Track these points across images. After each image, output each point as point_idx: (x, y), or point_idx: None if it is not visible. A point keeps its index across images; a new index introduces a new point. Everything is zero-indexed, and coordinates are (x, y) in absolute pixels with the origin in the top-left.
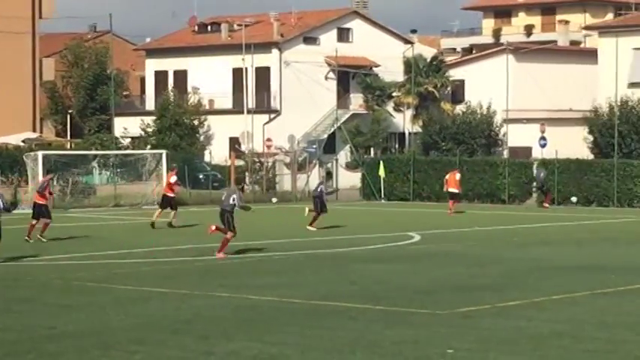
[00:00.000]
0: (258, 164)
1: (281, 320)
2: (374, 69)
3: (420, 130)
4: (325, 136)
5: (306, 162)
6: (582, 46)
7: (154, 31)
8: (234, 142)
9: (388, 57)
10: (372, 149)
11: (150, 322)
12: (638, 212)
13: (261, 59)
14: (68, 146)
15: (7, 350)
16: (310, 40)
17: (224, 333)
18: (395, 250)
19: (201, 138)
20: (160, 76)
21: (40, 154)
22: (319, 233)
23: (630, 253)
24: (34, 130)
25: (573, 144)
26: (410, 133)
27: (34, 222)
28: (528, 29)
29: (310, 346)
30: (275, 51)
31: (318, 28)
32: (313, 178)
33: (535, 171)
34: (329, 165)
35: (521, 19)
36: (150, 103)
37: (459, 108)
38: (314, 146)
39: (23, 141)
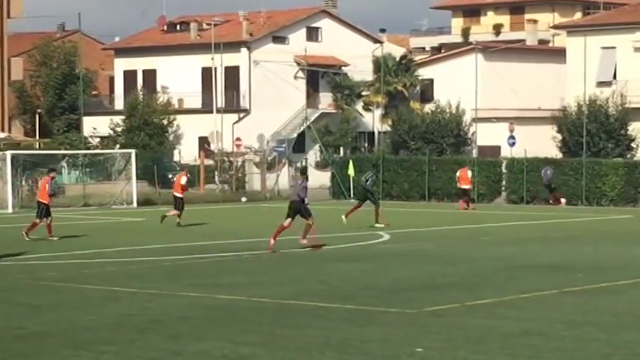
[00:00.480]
0: (228, 163)
1: (251, 320)
2: (343, 68)
3: (389, 129)
4: (295, 135)
5: (275, 161)
6: (551, 45)
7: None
8: (203, 142)
9: (357, 56)
10: (341, 148)
11: (119, 322)
12: (606, 211)
13: (230, 58)
14: (37, 146)
15: None
16: (279, 39)
17: (193, 333)
18: (364, 249)
19: (171, 137)
20: (129, 76)
21: (8, 153)
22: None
23: (598, 251)
24: (3, 130)
25: (542, 143)
26: (379, 133)
27: (37, 221)
28: (497, 28)
29: (280, 345)
30: (244, 50)
31: (288, 28)
32: (283, 177)
33: (542, 171)
34: (298, 164)
35: (490, 19)
36: (119, 103)
37: (428, 107)
38: (283, 145)
39: None
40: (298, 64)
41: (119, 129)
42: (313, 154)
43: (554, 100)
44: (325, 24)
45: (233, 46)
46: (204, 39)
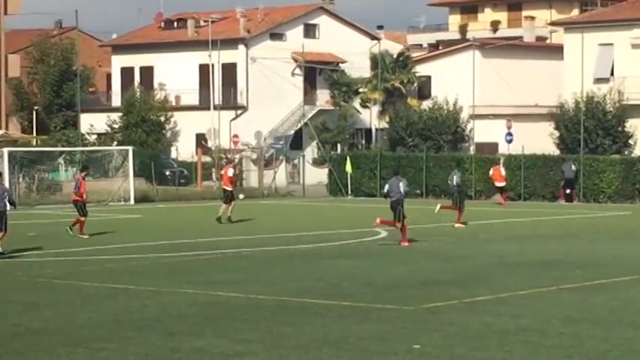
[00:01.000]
0: (225, 160)
1: (248, 317)
2: (340, 65)
3: (386, 126)
4: (292, 132)
5: (272, 158)
6: (548, 41)
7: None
8: (200, 139)
9: (355, 53)
10: (338, 145)
11: (116, 319)
12: (604, 208)
13: (227, 55)
14: (34, 143)
15: None
16: (277, 36)
17: (191, 330)
18: (362, 246)
19: (168, 134)
20: (126, 73)
21: (5, 150)
22: (285, 229)
23: (596, 248)
24: (0, 127)
25: (539, 139)
26: (376, 129)
27: (82, 218)
28: (494, 25)
29: (277, 342)
30: (241, 47)
31: (285, 24)
32: (280, 174)
33: (564, 166)
34: (296, 161)
35: (487, 15)
36: (116, 100)
37: (426, 104)
38: (281, 142)
39: None
40: (296, 60)
41: (116, 126)
42: (310, 151)
43: (552, 96)
44: (322, 21)
45: (230, 42)
46: (202, 36)
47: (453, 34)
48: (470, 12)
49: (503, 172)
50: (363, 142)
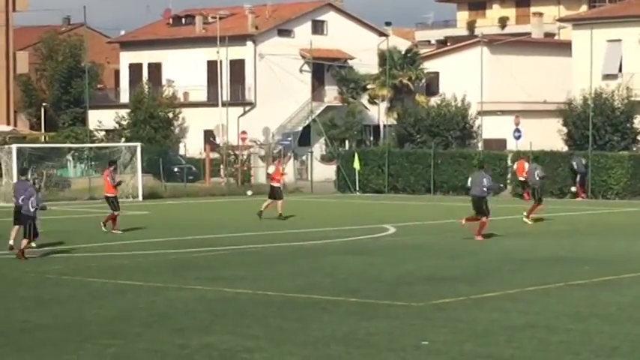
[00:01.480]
0: (233, 157)
1: (256, 313)
2: (348, 61)
3: (394, 122)
4: (300, 128)
5: (280, 154)
6: (556, 38)
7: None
8: (208, 135)
9: (363, 49)
10: (346, 142)
11: (124, 316)
12: (612, 204)
13: (235, 52)
14: (42, 139)
15: None
16: (285, 32)
17: (199, 326)
18: (370, 242)
19: (176, 131)
20: (135, 69)
21: (14, 147)
22: (293, 225)
23: (604, 244)
24: (8, 124)
25: (548, 136)
26: (385, 126)
27: (116, 213)
28: (503, 21)
29: (285, 338)
30: (250, 43)
31: (293, 21)
32: (288, 170)
33: (575, 161)
34: (304, 157)
35: (495, 12)
36: (124, 96)
37: (434, 100)
38: (289, 139)
39: None
40: (304, 57)
41: (124, 122)
42: (319, 148)
43: (560, 93)
44: (331, 17)
45: (238, 39)
46: (210, 32)
47: (461, 30)
48: (478, 8)
49: (527, 166)
50: (371, 138)
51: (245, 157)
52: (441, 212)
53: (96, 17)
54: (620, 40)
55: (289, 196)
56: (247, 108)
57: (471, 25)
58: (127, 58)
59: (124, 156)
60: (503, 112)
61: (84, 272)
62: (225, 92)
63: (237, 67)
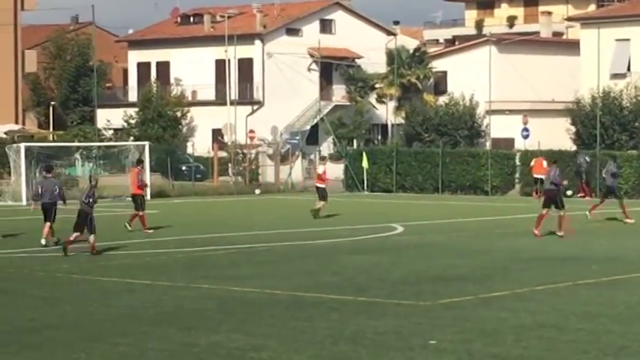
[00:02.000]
0: (241, 156)
1: (264, 312)
2: (357, 60)
3: (402, 121)
4: (308, 127)
5: (288, 153)
6: (565, 37)
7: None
8: (217, 134)
9: (371, 48)
10: (354, 141)
11: (133, 314)
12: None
13: (243, 51)
14: (51, 138)
15: None
16: (293, 31)
17: (207, 325)
18: (378, 241)
19: (184, 130)
20: (143, 68)
21: (22, 146)
22: (301, 224)
23: (612, 244)
24: (17, 122)
25: (556, 135)
26: (393, 125)
27: (141, 213)
28: (511, 20)
29: (293, 337)
30: (258, 42)
31: (301, 20)
32: (296, 169)
33: (580, 158)
34: (312, 156)
35: (503, 11)
36: (132, 95)
37: (442, 99)
38: (297, 138)
39: (6, 133)
40: (312, 56)
41: (133, 121)
42: (327, 147)
43: (568, 92)
44: (339, 16)
45: (247, 38)
46: (218, 31)
47: (469, 29)
48: (486, 7)
49: (545, 164)
50: (379, 137)
51: (253, 155)
52: (449, 211)
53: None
54: (628, 40)
55: (298, 195)
56: (255, 107)
57: (479, 24)
58: (135, 56)
59: (132, 155)
60: (512, 112)
61: (92, 271)
62: (233, 91)
63: (246, 65)
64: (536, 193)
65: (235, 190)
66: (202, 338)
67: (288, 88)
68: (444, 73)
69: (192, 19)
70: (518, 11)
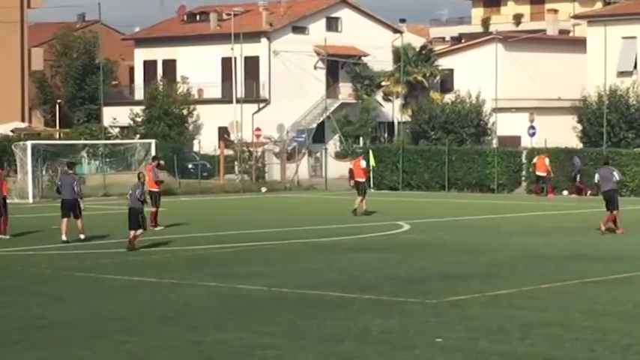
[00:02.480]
0: (248, 154)
1: (270, 309)
2: (363, 58)
3: (409, 119)
4: (314, 125)
5: (295, 151)
6: (571, 35)
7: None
8: (223, 132)
9: (377, 46)
10: (361, 138)
11: (139, 312)
12: (627, 201)
13: (250, 49)
14: (57, 136)
15: None
16: (299, 29)
17: (213, 323)
18: (384, 239)
19: (190, 127)
20: (149, 66)
21: (29, 143)
22: (307, 222)
23: (619, 242)
24: (23, 120)
25: (562, 133)
26: (399, 123)
27: (153, 209)
28: (517, 18)
29: (299, 335)
30: (264, 40)
31: (307, 18)
32: (302, 167)
33: (576, 159)
34: (318, 154)
35: (510, 8)
36: (139, 93)
37: (448, 97)
38: (303, 135)
39: (12, 131)
40: (318, 54)
41: (139, 119)
42: (333, 145)
43: (575, 90)
44: (345, 14)
45: (253, 36)
46: (224, 29)
47: (476, 27)
48: (492, 5)
49: (547, 161)
50: (386, 135)
51: (259, 153)
52: (456, 209)
53: (110, 14)
54: (635, 37)
55: (304, 193)
56: (262, 105)
57: (485, 22)
58: (141, 54)
59: (138, 153)
60: (518, 109)
61: (99, 269)
62: (239, 89)
63: (252, 63)
64: (540, 191)
65: (241, 188)
66: (208, 336)
67: (295, 85)
68: (451, 70)
69: (198, 17)
70: (525, 9)
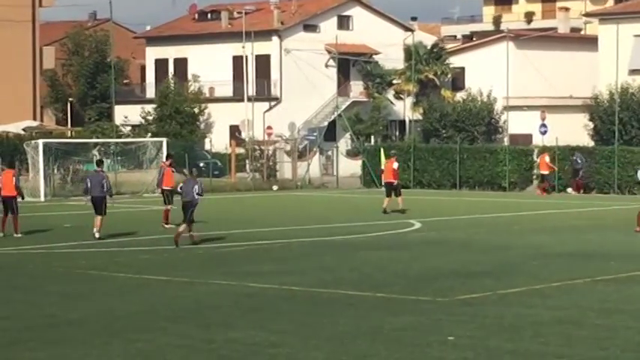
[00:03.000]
0: (259, 152)
1: (282, 308)
2: (374, 56)
3: (420, 117)
4: (326, 123)
5: (306, 150)
6: (583, 33)
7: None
8: (234, 130)
9: (388, 44)
10: (372, 137)
11: (151, 310)
12: (638, 199)
13: (261, 47)
14: (69, 134)
15: (8, 339)
16: (310, 27)
17: (225, 321)
18: (396, 237)
19: (202, 126)
20: (161, 64)
21: (40, 142)
22: (319, 221)
23: (630, 240)
24: (35, 119)
25: (574, 131)
26: (410, 121)
27: (168, 207)
28: (529, 16)
29: (311, 333)
30: (275, 39)
31: (319, 16)
32: (314, 165)
33: (577, 157)
34: (329, 152)
35: (521, 6)
36: (150, 91)
37: (460, 95)
38: (314, 134)
39: (24, 129)
40: (329, 52)
41: (150, 117)
42: (344, 143)
43: (586, 88)
44: (356, 12)
45: (264, 34)
46: (236, 27)
47: (487, 25)
48: (504, 3)
49: (546, 159)
50: (397, 133)
51: (270, 152)
52: (467, 207)
53: (122, 12)
54: None
55: (315, 191)
56: (273, 103)
57: (496, 20)
58: (152, 53)
59: (149, 151)
60: (530, 107)
61: (111, 267)
62: (250, 87)
63: (263, 62)
64: (544, 190)
65: (253, 187)
66: (220, 334)
67: (306, 84)
68: (462, 69)
69: (209, 15)
70: (536, 7)
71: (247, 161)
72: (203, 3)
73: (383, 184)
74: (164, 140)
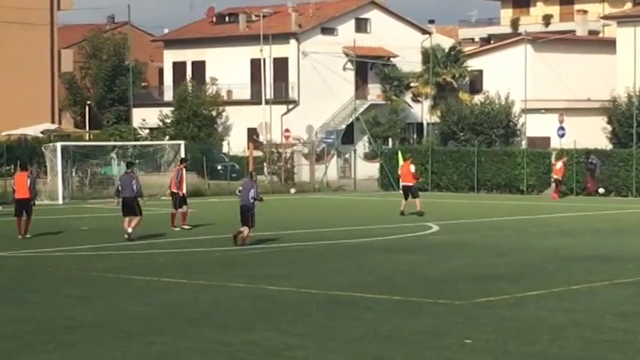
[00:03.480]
0: (277, 155)
1: (299, 311)
2: (392, 59)
3: (438, 120)
4: (343, 126)
5: (324, 152)
6: (601, 35)
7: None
8: (252, 133)
9: (406, 47)
10: (390, 140)
11: (168, 313)
12: None
13: (279, 50)
14: (87, 137)
15: (26, 341)
16: (328, 30)
17: (242, 324)
18: (413, 240)
19: (220, 129)
20: (178, 67)
21: (58, 145)
22: (336, 223)
23: None
24: (53, 122)
25: (592, 134)
26: (428, 124)
27: (173, 211)
28: (546, 19)
29: (329, 336)
30: (293, 42)
31: (336, 19)
32: (331, 168)
33: (594, 160)
34: (347, 155)
35: (539, 9)
36: (168, 94)
37: (477, 98)
38: (332, 137)
39: (42, 132)
40: (347, 55)
41: (168, 120)
42: (362, 146)
43: (604, 91)
44: (374, 15)
45: (282, 37)
46: (253, 30)
47: (505, 28)
48: (522, 6)
49: (558, 165)
50: (415, 136)
51: (288, 155)
52: (485, 210)
53: (140, 16)
54: None
55: (333, 194)
56: (291, 106)
57: (514, 23)
58: (170, 56)
59: (167, 154)
60: (547, 110)
61: (128, 270)
62: (268, 90)
63: (281, 65)
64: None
65: (270, 190)
66: (238, 337)
67: (324, 87)
68: (480, 71)
69: (227, 18)
70: (554, 10)
71: (265, 164)
72: (221, 6)
73: (400, 186)
74: (182, 143)
